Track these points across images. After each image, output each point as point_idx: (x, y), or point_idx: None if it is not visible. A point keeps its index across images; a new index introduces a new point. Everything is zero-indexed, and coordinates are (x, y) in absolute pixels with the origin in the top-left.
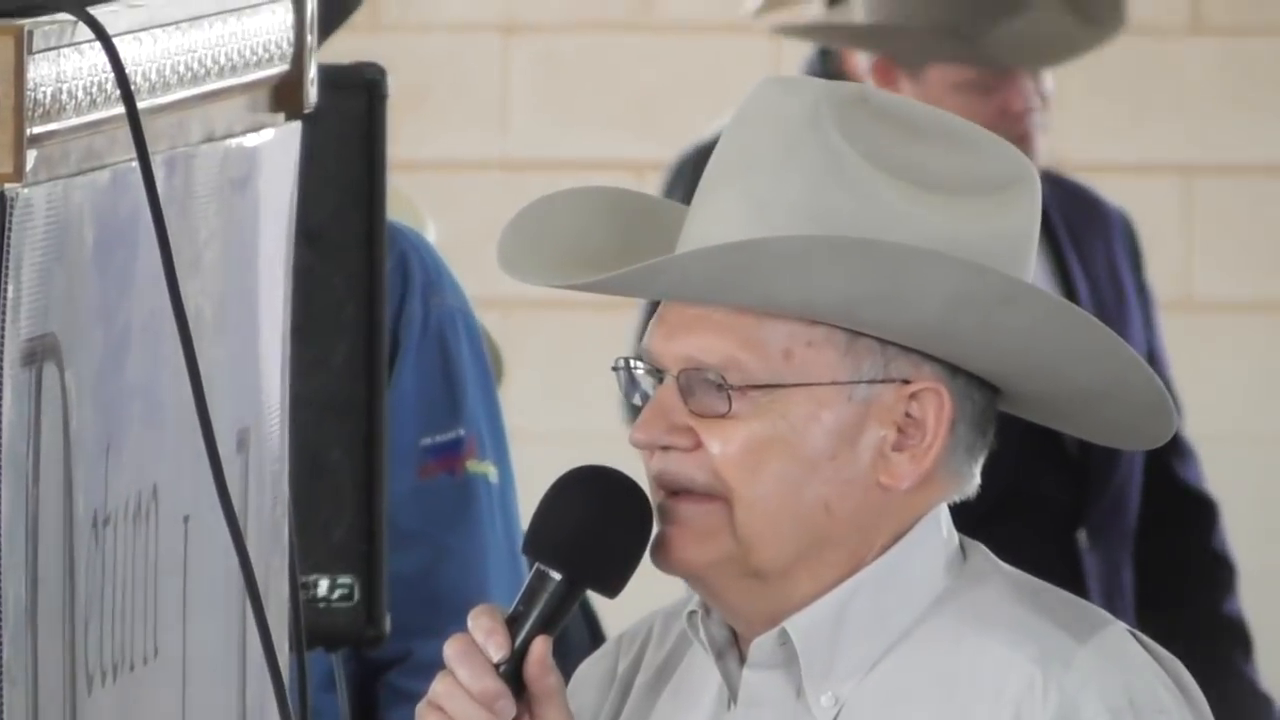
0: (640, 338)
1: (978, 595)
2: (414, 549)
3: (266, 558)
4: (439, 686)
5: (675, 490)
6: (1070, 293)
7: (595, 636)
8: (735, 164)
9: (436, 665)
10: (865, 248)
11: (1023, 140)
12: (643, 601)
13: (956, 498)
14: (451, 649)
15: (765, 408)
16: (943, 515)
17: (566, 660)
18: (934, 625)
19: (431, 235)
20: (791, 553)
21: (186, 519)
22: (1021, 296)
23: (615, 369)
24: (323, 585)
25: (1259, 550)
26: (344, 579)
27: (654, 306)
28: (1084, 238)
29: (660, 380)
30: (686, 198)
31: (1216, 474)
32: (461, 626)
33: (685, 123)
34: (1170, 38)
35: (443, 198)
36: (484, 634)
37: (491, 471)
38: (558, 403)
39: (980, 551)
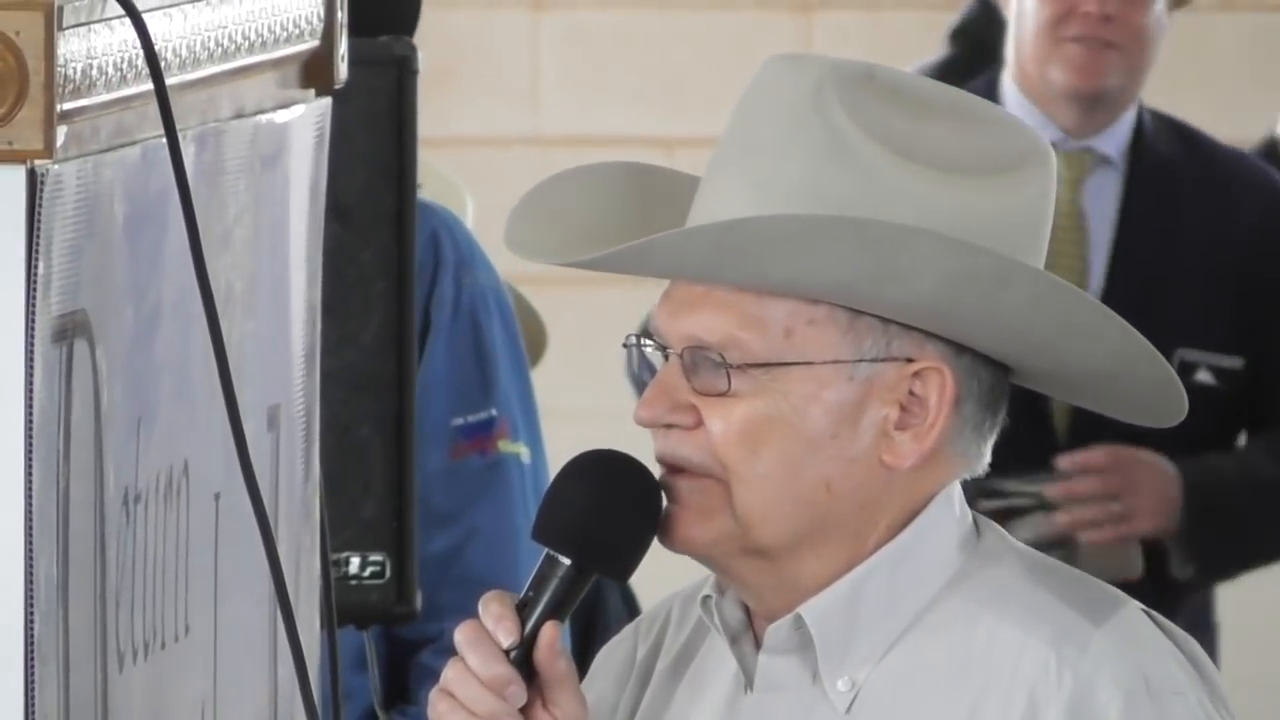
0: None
1: (992, 575)
2: (445, 529)
3: (297, 536)
4: (450, 673)
5: (675, 468)
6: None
7: (634, 616)
8: (740, 143)
9: None
10: (856, 227)
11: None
12: (682, 580)
13: (966, 475)
14: (461, 635)
15: (766, 386)
16: (955, 494)
17: (607, 640)
18: (949, 606)
19: (470, 212)
20: (793, 531)
21: (218, 496)
22: (1016, 276)
23: (626, 346)
24: (354, 563)
25: None
26: (375, 556)
27: None
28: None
29: (667, 358)
30: None
31: None
32: None
33: (714, 99)
34: (1200, 13)
35: (472, 174)
36: (493, 620)
37: (524, 452)
38: (588, 381)
39: (994, 530)
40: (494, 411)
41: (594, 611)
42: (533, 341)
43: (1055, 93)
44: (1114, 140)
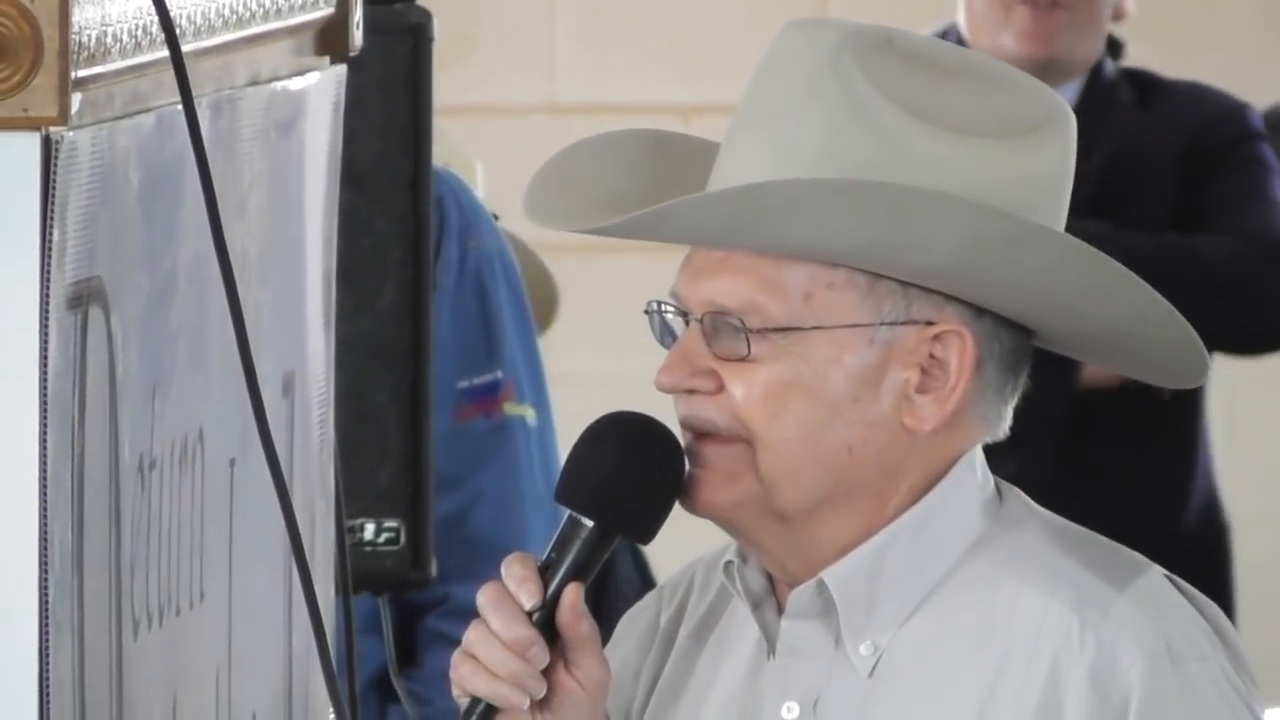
0: None
1: (1014, 540)
2: (451, 492)
3: (312, 502)
4: (472, 634)
5: (700, 433)
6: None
7: (645, 582)
8: (760, 108)
9: (474, 608)
10: (873, 190)
11: None
12: (695, 548)
13: (988, 439)
14: (484, 597)
15: (786, 350)
16: (977, 458)
17: (618, 605)
18: (971, 571)
19: (480, 178)
20: (815, 495)
21: (233, 462)
22: (1034, 238)
23: (648, 312)
24: (369, 529)
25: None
26: (390, 522)
27: None
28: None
29: (688, 323)
30: None
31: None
32: (499, 570)
33: (730, 66)
34: None
35: (489, 142)
36: (516, 582)
37: (529, 414)
38: (607, 346)
39: (1016, 494)
40: (499, 374)
41: (606, 577)
42: (545, 303)
43: (1008, 60)
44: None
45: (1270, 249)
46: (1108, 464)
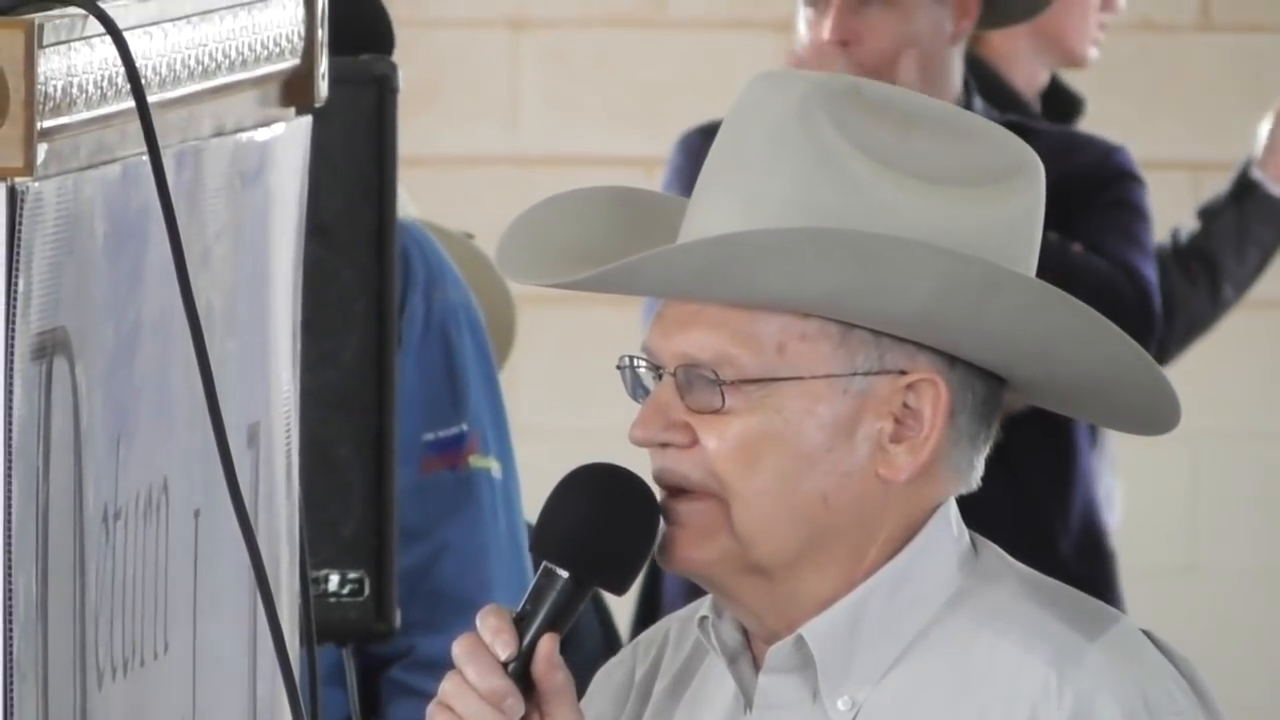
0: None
1: (991, 595)
2: (416, 545)
3: (276, 553)
4: (448, 685)
5: (674, 489)
6: None
7: (607, 629)
8: (728, 161)
9: (438, 661)
10: (846, 239)
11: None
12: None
13: (961, 490)
14: (459, 648)
15: (760, 402)
16: (952, 512)
17: (580, 658)
18: (949, 626)
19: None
20: (792, 548)
21: (197, 513)
22: (1007, 284)
23: (620, 368)
24: (333, 580)
25: (1261, 549)
26: (354, 574)
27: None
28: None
29: (660, 377)
30: (694, 169)
31: (1217, 471)
32: (463, 622)
33: (695, 119)
34: (1180, 34)
35: (453, 193)
36: (491, 633)
37: (494, 466)
38: (568, 399)
39: (991, 549)
40: (465, 426)
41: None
42: (503, 329)
43: None
44: None
45: (1140, 291)
46: (979, 498)
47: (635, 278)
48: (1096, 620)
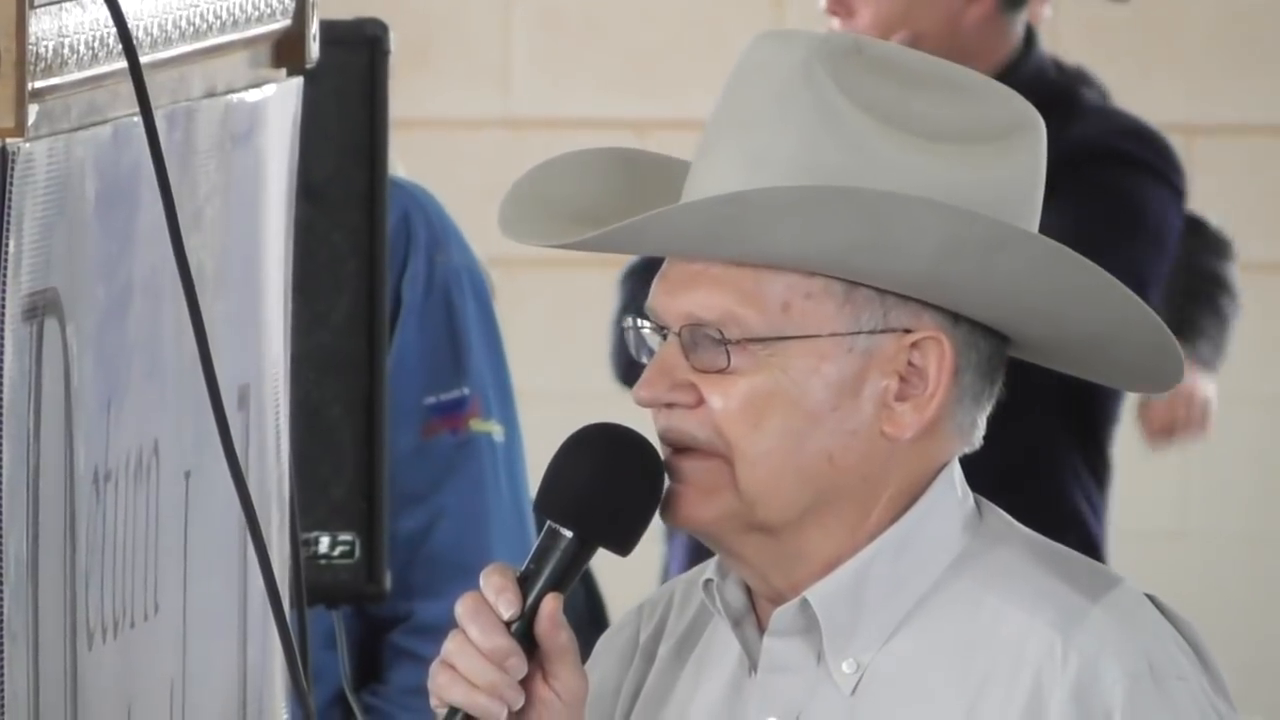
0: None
1: (996, 557)
2: (416, 509)
3: (267, 515)
4: (450, 644)
5: (679, 447)
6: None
7: (592, 597)
8: (731, 120)
9: (438, 625)
10: (851, 196)
11: None
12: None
13: (965, 449)
14: (462, 607)
15: (765, 361)
16: (956, 474)
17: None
18: (954, 588)
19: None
20: (797, 506)
21: (188, 475)
22: (1011, 241)
23: (624, 328)
24: (323, 542)
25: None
26: (345, 536)
27: (647, 267)
28: None
29: (665, 338)
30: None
31: (1217, 439)
32: (464, 586)
33: (686, 81)
34: None
35: (444, 156)
36: (494, 592)
37: (496, 430)
38: (561, 362)
39: (995, 511)
40: (466, 390)
41: None
42: None
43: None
44: None
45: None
46: None
47: (641, 237)
48: (1102, 584)
